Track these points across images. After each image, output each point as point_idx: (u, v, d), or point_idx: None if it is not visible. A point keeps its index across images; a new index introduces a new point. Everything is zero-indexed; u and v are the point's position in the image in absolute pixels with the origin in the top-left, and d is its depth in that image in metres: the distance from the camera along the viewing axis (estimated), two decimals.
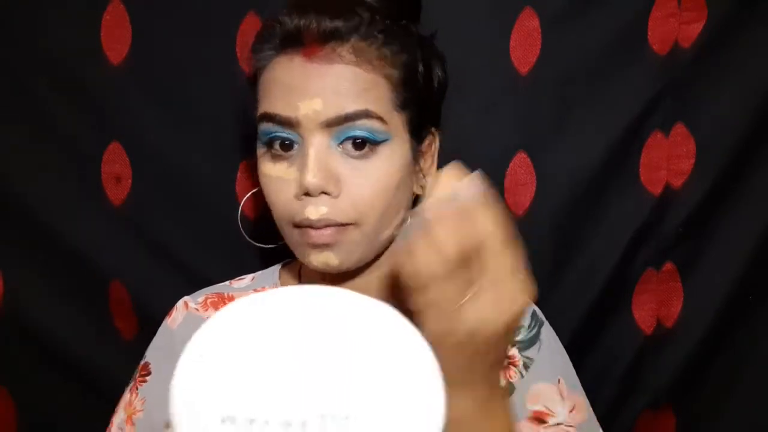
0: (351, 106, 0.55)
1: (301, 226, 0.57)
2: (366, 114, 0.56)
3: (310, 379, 0.31)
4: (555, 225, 0.85)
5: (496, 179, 0.85)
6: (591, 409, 0.65)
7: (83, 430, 0.85)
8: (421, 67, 0.61)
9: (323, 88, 0.55)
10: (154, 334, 0.66)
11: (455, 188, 0.43)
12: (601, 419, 0.88)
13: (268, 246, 0.69)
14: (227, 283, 0.70)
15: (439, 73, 0.65)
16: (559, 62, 0.83)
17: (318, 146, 0.56)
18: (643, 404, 0.89)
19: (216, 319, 0.33)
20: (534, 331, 0.66)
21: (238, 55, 0.82)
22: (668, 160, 0.86)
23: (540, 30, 0.83)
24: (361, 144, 0.56)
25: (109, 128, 0.82)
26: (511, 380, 0.63)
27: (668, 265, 0.88)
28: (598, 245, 0.86)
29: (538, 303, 0.85)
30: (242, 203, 0.70)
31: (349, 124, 0.56)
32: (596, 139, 0.85)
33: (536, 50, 0.83)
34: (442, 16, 0.81)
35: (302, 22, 0.55)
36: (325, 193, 0.56)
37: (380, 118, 0.56)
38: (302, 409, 0.30)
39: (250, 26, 0.81)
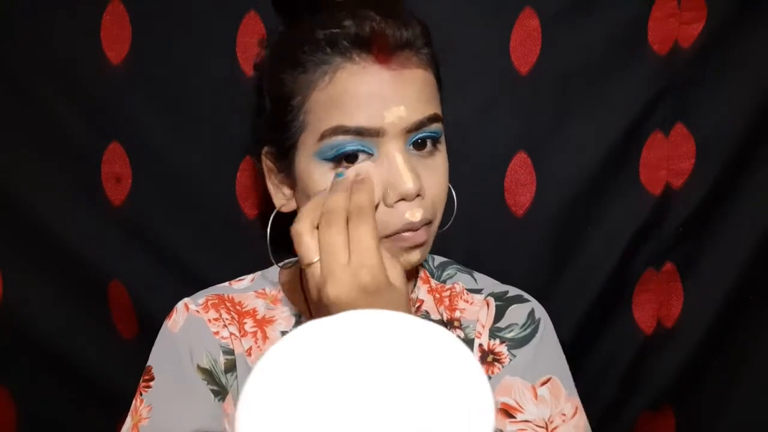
0: (427, 111, 0.57)
1: (399, 232, 0.57)
2: (437, 117, 0.58)
3: (369, 404, 0.31)
4: (555, 225, 0.85)
5: (496, 179, 0.85)
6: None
7: (83, 430, 0.85)
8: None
9: (406, 95, 0.55)
10: (153, 333, 0.66)
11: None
12: (601, 419, 0.88)
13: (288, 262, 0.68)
14: (227, 284, 0.70)
15: None
16: (559, 62, 0.83)
17: (401, 151, 0.56)
18: (643, 404, 0.89)
19: (278, 345, 0.34)
20: (527, 332, 0.65)
21: (238, 55, 0.81)
22: (668, 160, 0.86)
23: (540, 30, 0.83)
24: (428, 144, 0.58)
25: (109, 128, 0.82)
26: (492, 375, 0.63)
27: (668, 265, 0.88)
28: (598, 245, 0.86)
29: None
30: (272, 216, 0.66)
31: (425, 128, 0.57)
32: (596, 139, 0.85)
33: (536, 50, 0.83)
34: (443, 16, 0.81)
35: (377, 28, 0.55)
36: (418, 195, 0.56)
37: (442, 120, 0.59)
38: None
39: (250, 26, 0.81)
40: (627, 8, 0.83)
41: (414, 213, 0.56)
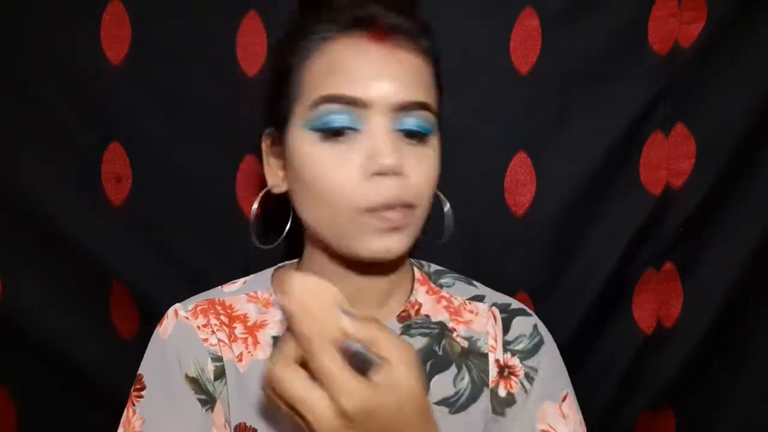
0: (416, 95, 0.58)
1: (376, 209, 0.57)
2: (425, 106, 0.58)
3: None
4: (555, 225, 0.85)
5: (496, 179, 0.85)
6: None
7: (83, 430, 0.85)
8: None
9: (394, 73, 0.57)
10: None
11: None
12: (601, 419, 0.88)
13: (267, 246, 0.68)
14: (219, 288, 0.69)
15: None
16: (559, 62, 0.83)
17: (386, 128, 0.57)
18: (643, 404, 0.89)
19: None
20: (536, 340, 0.66)
21: (238, 55, 0.82)
22: (668, 160, 0.86)
23: (540, 30, 0.83)
24: (416, 134, 0.58)
25: (109, 128, 0.82)
26: (511, 390, 0.63)
27: (668, 265, 0.88)
28: (598, 245, 0.86)
29: (538, 303, 0.86)
30: (255, 206, 0.67)
31: (412, 112, 0.57)
32: (596, 139, 0.85)
33: (536, 50, 0.83)
34: (443, 16, 0.81)
35: (377, 10, 0.57)
36: (396, 174, 0.57)
37: (433, 113, 0.59)
38: None
39: (250, 26, 0.81)
40: (627, 8, 0.83)
41: (390, 187, 0.56)
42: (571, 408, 0.63)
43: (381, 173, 0.56)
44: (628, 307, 0.88)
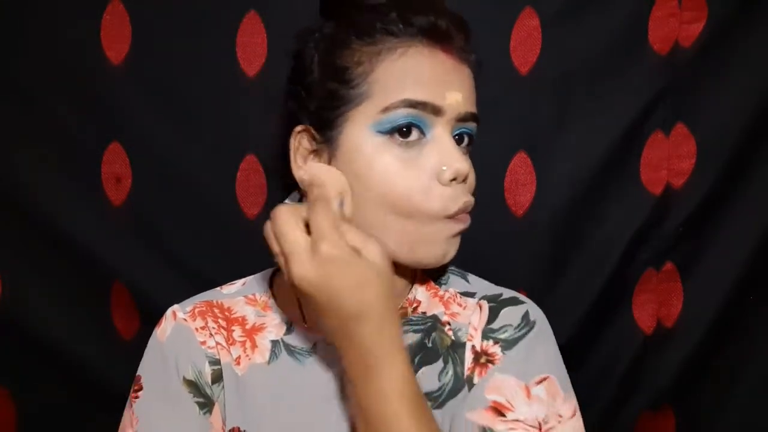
0: (473, 107, 0.61)
1: (454, 215, 0.58)
2: (476, 117, 0.62)
3: None
4: (555, 225, 0.85)
5: (496, 179, 0.85)
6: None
7: (83, 431, 0.85)
8: None
9: (463, 85, 0.60)
10: None
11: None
12: (601, 419, 0.88)
13: None
14: (218, 288, 0.69)
15: None
16: (559, 62, 0.83)
17: (450, 135, 0.59)
18: (643, 404, 0.89)
19: None
20: (521, 332, 0.62)
21: (238, 55, 0.82)
22: (668, 160, 0.86)
23: (540, 30, 0.83)
24: (465, 140, 0.61)
25: (109, 128, 0.82)
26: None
27: (668, 265, 0.88)
28: (598, 245, 0.86)
29: (538, 303, 0.85)
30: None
31: (469, 123, 0.61)
32: (596, 139, 0.85)
33: (536, 50, 0.83)
34: None
35: (447, 20, 0.59)
36: (465, 179, 0.59)
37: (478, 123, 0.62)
38: None
39: (250, 26, 0.81)
40: (627, 8, 0.83)
41: (465, 193, 0.59)
42: (553, 396, 0.59)
43: (454, 179, 0.58)
44: (628, 307, 0.88)
